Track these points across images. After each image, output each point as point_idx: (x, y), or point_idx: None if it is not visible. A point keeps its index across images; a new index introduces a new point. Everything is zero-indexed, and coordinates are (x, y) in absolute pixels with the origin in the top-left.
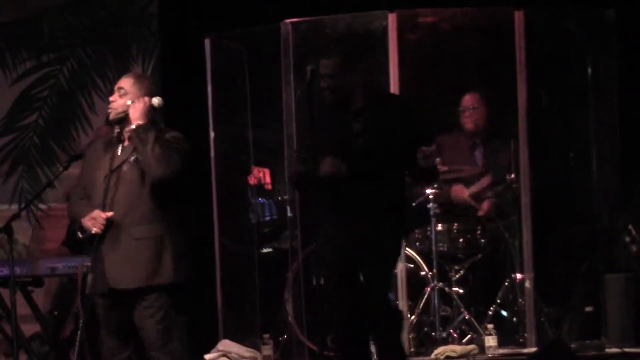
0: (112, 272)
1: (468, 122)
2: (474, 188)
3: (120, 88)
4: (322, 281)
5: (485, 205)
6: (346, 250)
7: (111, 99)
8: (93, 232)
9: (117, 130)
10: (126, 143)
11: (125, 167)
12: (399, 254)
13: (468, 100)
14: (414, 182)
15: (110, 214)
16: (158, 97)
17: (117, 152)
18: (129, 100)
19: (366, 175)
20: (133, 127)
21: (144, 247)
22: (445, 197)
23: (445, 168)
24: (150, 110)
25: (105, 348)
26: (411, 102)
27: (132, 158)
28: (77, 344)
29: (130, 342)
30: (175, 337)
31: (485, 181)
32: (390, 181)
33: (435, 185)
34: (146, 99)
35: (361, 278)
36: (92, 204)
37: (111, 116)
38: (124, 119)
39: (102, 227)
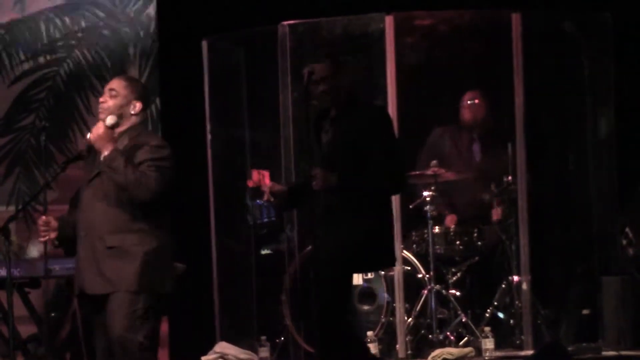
0: (84, 277)
1: (467, 112)
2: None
3: (111, 89)
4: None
5: (495, 214)
6: (314, 258)
7: (101, 99)
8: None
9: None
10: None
11: (104, 176)
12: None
13: (468, 94)
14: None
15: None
16: (111, 116)
17: (100, 157)
18: (119, 102)
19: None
20: (101, 158)
21: (115, 255)
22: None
23: (443, 170)
24: (110, 132)
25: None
26: (383, 113)
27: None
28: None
29: None
30: (141, 335)
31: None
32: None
33: (432, 188)
34: (137, 103)
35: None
36: (77, 209)
37: (103, 117)
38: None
39: (45, 234)
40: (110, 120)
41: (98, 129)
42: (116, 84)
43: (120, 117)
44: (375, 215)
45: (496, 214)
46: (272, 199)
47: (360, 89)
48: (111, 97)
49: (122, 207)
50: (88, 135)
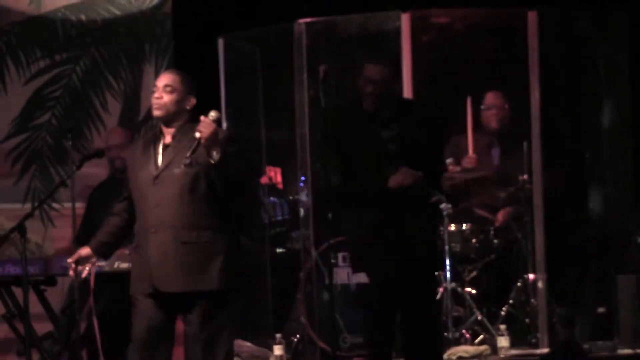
0: (159, 274)
1: (494, 120)
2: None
3: (167, 85)
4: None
5: (500, 216)
6: (396, 264)
7: (156, 95)
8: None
9: (157, 128)
10: (167, 140)
11: (176, 170)
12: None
13: (492, 98)
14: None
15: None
16: (214, 111)
17: (158, 151)
18: (176, 97)
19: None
20: (213, 159)
21: (193, 251)
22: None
23: (458, 168)
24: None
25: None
26: (432, 109)
27: (187, 161)
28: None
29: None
30: (219, 348)
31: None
32: (425, 187)
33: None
34: (192, 98)
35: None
36: (137, 209)
37: (161, 113)
38: (173, 118)
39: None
40: (214, 114)
41: (208, 127)
42: (171, 79)
43: (178, 112)
44: (433, 216)
45: (498, 220)
46: None
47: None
48: (167, 92)
49: (196, 203)
50: (197, 135)
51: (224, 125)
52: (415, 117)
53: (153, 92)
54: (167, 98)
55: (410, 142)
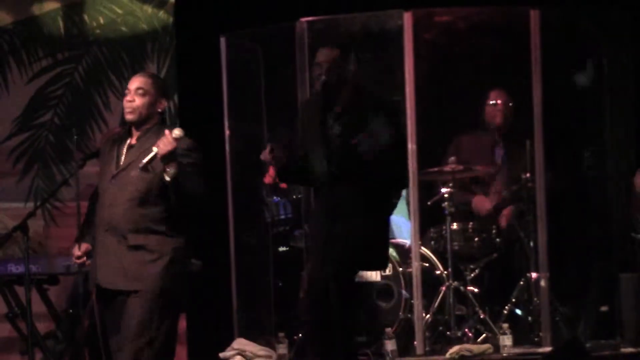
0: (103, 271)
1: (498, 115)
2: (495, 199)
3: (139, 88)
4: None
5: (502, 220)
6: (325, 253)
7: (128, 99)
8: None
9: (126, 128)
10: (133, 141)
11: (132, 172)
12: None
13: (497, 94)
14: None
15: (79, 252)
16: (178, 129)
17: (122, 150)
18: (148, 100)
19: (343, 178)
20: (168, 176)
21: (138, 255)
22: (467, 205)
23: (461, 167)
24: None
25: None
26: (393, 108)
27: (141, 164)
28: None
29: None
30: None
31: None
32: (368, 185)
33: (451, 184)
34: (163, 100)
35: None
36: (97, 202)
37: (133, 117)
38: (144, 121)
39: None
40: (178, 132)
41: (167, 145)
42: (143, 82)
43: (149, 115)
44: (378, 214)
45: (502, 222)
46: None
47: (379, 86)
48: (139, 95)
49: (147, 207)
50: (154, 150)
51: (225, 124)
52: (367, 110)
53: (125, 94)
54: (139, 101)
55: (351, 137)
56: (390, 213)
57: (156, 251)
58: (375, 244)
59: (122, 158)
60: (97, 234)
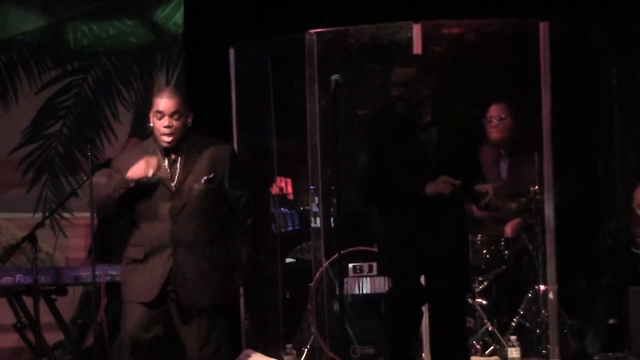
0: (186, 290)
1: (494, 132)
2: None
3: (175, 112)
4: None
5: (508, 229)
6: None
7: (166, 124)
8: (150, 174)
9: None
10: (173, 155)
11: (194, 185)
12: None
13: (494, 110)
14: None
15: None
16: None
17: (165, 164)
18: (184, 121)
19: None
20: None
21: (211, 267)
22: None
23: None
24: None
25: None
26: (473, 115)
27: (204, 178)
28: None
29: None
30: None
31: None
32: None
33: None
34: (191, 115)
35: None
36: (149, 218)
37: (173, 141)
38: (181, 140)
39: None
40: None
41: (150, 168)
42: (177, 104)
43: (185, 133)
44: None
45: (507, 232)
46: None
47: (387, 98)
48: (176, 119)
49: (213, 220)
50: (150, 173)
51: (234, 135)
52: (453, 122)
53: (157, 116)
54: (176, 124)
55: (448, 147)
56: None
57: (223, 262)
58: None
59: (174, 172)
60: (155, 252)
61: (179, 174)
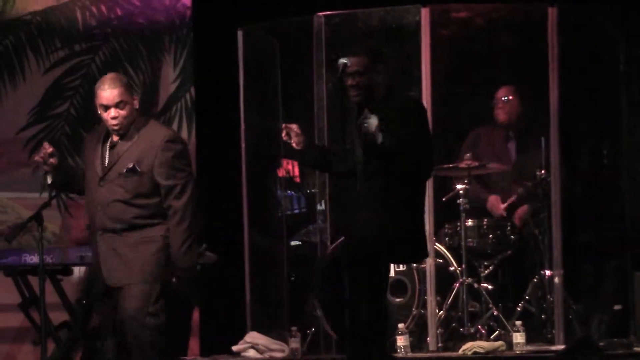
0: (109, 272)
1: (501, 113)
2: (508, 201)
3: (120, 102)
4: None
5: (517, 219)
6: (351, 245)
7: (113, 115)
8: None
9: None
10: (115, 138)
11: (116, 173)
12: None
13: (502, 92)
14: None
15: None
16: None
17: (105, 151)
18: (130, 109)
19: (373, 173)
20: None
21: (133, 247)
22: (482, 202)
23: (476, 164)
24: None
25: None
26: (417, 103)
27: (126, 168)
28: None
29: None
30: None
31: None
32: (398, 181)
33: (466, 181)
34: (136, 98)
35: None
36: (87, 201)
37: (122, 130)
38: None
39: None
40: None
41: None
42: (121, 93)
43: (132, 120)
44: (408, 207)
45: (516, 220)
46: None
47: (396, 81)
48: (121, 108)
49: (139, 209)
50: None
51: (242, 117)
52: (398, 107)
53: (102, 109)
54: (123, 112)
55: (387, 131)
56: (421, 205)
57: (150, 243)
58: (410, 237)
59: (107, 158)
60: (92, 235)
61: (109, 160)
